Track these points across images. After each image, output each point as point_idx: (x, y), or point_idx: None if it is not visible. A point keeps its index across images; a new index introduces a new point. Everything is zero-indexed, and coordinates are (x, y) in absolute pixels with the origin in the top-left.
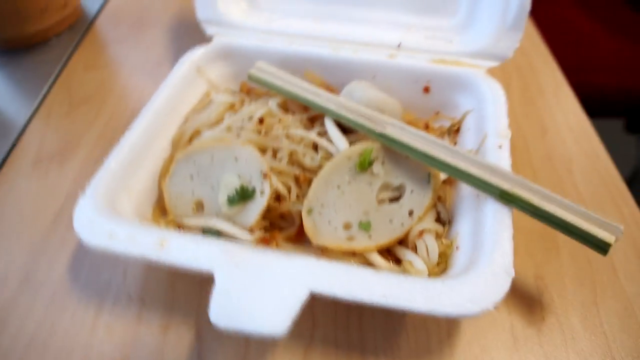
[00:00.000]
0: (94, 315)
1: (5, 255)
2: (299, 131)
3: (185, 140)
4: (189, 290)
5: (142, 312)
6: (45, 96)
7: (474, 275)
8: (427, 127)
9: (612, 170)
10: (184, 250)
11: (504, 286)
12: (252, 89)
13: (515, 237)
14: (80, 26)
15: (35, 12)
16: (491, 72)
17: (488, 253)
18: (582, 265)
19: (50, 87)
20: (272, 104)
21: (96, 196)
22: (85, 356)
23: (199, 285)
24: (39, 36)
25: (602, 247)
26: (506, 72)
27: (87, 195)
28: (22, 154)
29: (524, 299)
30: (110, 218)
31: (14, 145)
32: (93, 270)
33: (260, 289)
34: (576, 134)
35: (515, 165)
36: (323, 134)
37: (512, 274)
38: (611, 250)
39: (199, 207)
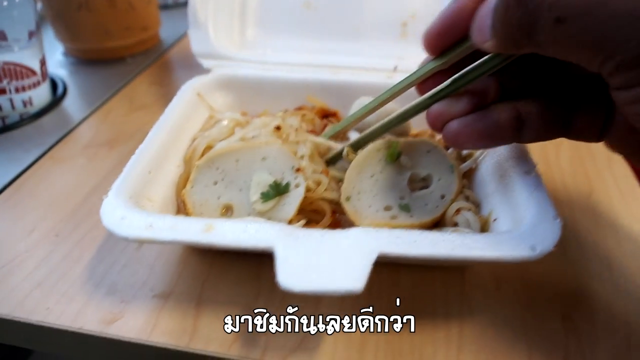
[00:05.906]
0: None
1: (39, 212)
2: (318, 138)
3: (197, 155)
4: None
5: None
6: (107, 101)
7: (526, 227)
8: (433, 136)
9: None
10: (234, 232)
11: (556, 230)
12: (254, 116)
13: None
14: (155, 51)
15: (117, 30)
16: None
17: (531, 210)
18: None
19: (114, 94)
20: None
21: (122, 197)
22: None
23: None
24: (116, 52)
25: None
26: None
27: (112, 196)
28: (75, 139)
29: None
30: (143, 213)
31: (69, 132)
32: None
33: (328, 255)
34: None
35: None
36: None
37: (559, 220)
38: None
39: (228, 210)
